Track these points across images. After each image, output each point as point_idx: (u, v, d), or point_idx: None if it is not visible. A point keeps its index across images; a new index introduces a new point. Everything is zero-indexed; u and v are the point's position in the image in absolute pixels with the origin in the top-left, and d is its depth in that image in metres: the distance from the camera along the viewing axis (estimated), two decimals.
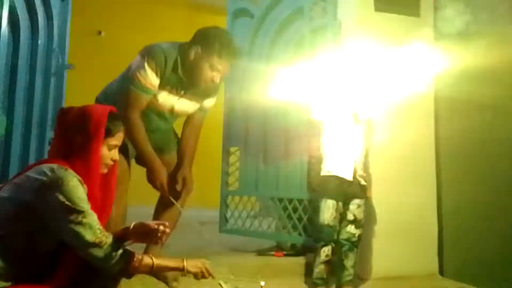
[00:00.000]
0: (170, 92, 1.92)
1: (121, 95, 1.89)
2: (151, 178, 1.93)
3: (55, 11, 2.74)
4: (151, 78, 1.84)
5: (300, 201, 2.47)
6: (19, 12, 2.35)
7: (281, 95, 2.60)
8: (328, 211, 1.82)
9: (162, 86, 1.89)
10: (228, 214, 2.82)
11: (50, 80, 2.73)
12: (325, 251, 1.81)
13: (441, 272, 2.24)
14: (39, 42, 2.62)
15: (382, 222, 2.14)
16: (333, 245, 1.85)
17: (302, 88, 2.49)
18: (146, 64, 1.84)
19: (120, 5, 5.06)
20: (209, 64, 1.88)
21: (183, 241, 2.61)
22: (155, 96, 1.89)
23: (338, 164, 1.87)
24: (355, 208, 1.87)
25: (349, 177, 1.86)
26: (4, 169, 2.35)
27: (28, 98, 2.55)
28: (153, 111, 1.93)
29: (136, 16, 5.13)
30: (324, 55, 2.42)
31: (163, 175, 1.91)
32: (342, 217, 1.85)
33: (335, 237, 1.85)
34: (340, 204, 1.84)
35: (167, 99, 1.92)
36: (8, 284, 1.22)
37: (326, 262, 1.81)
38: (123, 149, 1.68)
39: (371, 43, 2.27)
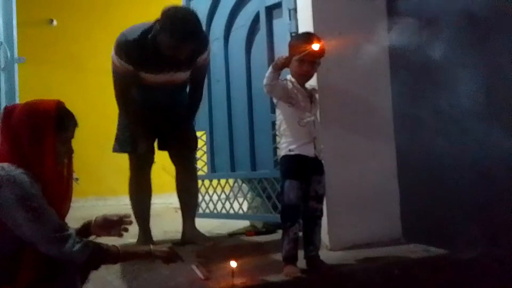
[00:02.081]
0: (153, 72, 2.07)
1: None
2: None
3: None
4: (121, 65, 2.04)
5: (268, 180, 2.50)
6: None
7: (242, 70, 2.60)
8: (293, 191, 1.82)
9: (141, 68, 2.05)
10: (199, 199, 2.83)
11: (0, 76, 2.61)
12: (293, 230, 1.83)
13: (405, 236, 2.34)
14: None
15: (344, 193, 2.20)
16: (300, 222, 1.88)
17: (261, 65, 2.50)
18: (113, 54, 2.07)
19: None
20: (167, 44, 1.94)
21: (158, 227, 2.60)
22: (140, 76, 2.07)
23: (299, 142, 1.86)
24: (316, 184, 1.88)
25: (312, 155, 1.86)
26: None
27: None
28: (151, 87, 2.11)
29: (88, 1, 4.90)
30: (279, 31, 2.42)
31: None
32: (304, 194, 1.87)
33: (300, 215, 1.87)
34: (303, 182, 1.86)
35: (155, 77, 2.08)
36: None
37: (296, 240, 1.85)
38: None
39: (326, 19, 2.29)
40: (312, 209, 1.89)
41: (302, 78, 1.91)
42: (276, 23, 2.51)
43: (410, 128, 2.35)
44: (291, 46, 1.93)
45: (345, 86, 2.26)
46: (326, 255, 2.01)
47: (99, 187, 4.36)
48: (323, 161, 1.92)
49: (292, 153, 1.86)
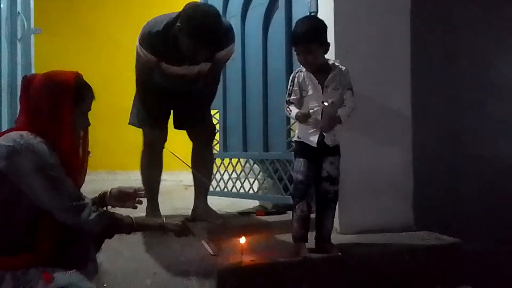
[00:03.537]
0: (174, 64, 2.05)
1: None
2: None
3: None
4: (144, 54, 2.05)
5: (281, 161, 2.50)
6: None
7: (259, 50, 2.56)
8: (302, 169, 1.84)
9: (164, 59, 2.05)
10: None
11: (17, 46, 2.62)
12: (300, 207, 1.84)
13: (417, 224, 2.33)
14: (1, 6, 2.49)
15: (356, 178, 2.19)
16: (310, 201, 1.88)
17: (278, 45, 2.46)
18: (138, 43, 2.07)
19: None
20: (186, 45, 1.93)
21: (168, 203, 2.63)
22: (161, 67, 2.07)
23: (305, 130, 1.86)
24: (328, 165, 1.87)
25: (314, 144, 1.85)
26: None
27: None
28: (170, 76, 2.10)
29: None
30: (298, 10, 2.37)
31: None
32: (317, 175, 1.87)
33: (308, 194, 1.87)
34: (313, 162, 1.85)
35: (175, 69, 2.07)
36: None
37: (304, 218, 1.85)
38: None
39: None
40: (325, 191, 1.88)
41: (305, 67, 1.87)
42: (295, 1, 2.46)
43: (428, 118, 2.32)
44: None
45: (363, 72, 2.22)
46: (336, 238, 2.01)
47: (109, 161, 4.40)
48: (337, 143, 1.90)
49: (299, 140, 1.90)
